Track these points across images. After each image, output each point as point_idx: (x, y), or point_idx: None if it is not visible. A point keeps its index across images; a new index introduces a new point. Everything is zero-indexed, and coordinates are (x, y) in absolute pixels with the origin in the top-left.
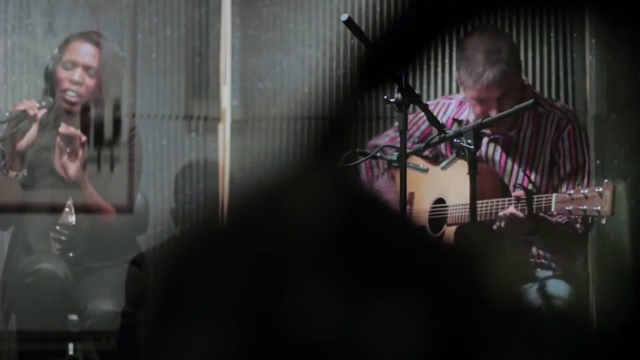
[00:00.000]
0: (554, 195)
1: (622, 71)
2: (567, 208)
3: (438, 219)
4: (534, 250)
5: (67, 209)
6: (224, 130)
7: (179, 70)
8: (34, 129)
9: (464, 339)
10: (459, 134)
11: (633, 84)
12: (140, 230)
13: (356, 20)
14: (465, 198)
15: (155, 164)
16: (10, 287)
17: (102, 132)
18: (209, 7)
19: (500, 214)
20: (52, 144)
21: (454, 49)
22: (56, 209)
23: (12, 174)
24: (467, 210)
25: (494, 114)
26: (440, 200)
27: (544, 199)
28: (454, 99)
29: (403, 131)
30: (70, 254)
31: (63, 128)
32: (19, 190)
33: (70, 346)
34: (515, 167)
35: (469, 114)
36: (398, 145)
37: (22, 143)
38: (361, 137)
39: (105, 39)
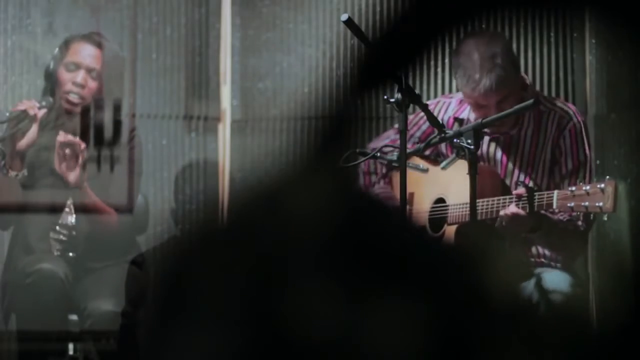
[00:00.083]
0: (556, 192)
1: (622, 71)
2: (568, 205)
3: (438, 218)
4: (533, 249)
5: (67, 209)
6: (224, 130)
7: (179, 70)
8: (34, 129)
9: (464, 339)
10: (459, 134)
11: (633, 84)
12: (140, 230)
13: (356, 20)
14: (466, 197)
15: (155, 164)
16: (10, 287)
17: (102, 133)
18: (209, 7)
19: (502, 212)
20: (52, 144)
21: (454, 49)
22: (56, 209)
23: (12, 174)
24: (468, 209)
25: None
26: (441, 200)
27: (545, 196)
28: (454, 97)
29: (403, 131)
30: (70, 254)
31: (62, 136)
32: (19, 190)
33: (70, 346)
34: (517, 165)
35: (469, 113)
36: (398, 145)
37: (22, 143)
38: (361, 137)
39: (107, 40)
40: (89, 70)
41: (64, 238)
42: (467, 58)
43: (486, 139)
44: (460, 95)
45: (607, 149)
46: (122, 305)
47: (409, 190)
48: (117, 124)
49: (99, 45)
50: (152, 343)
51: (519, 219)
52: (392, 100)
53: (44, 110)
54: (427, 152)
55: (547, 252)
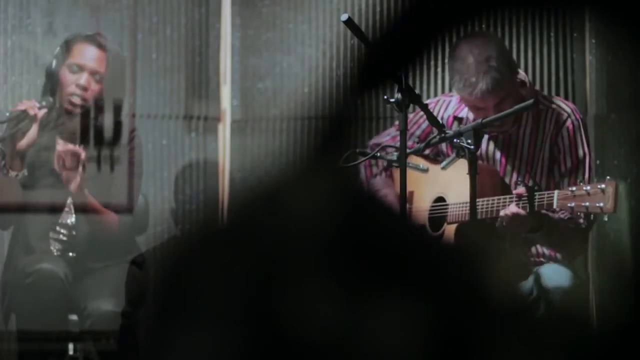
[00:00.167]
0: (556, 192)
1: (622, 71)
2: (569, 205)
3: (438, 217)
4: (533, 249)
5: (67, 209)
6: (224, 130)
7: (179, 70)
8: (34, 129)
9: (464, 339)
10: (458, 134)
11: (633, 84)
12: (140, 230)
13: (356, 20)
14: (466, 197)
15: (155, 164)
16: (10, 287)
17: (102, 133)
18: (209, 7)
19: (502, 212)
20: (52, 144)
21: (449, 54)
22: (56, 209)
23: (13, 174)
24: (468, 208)
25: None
26: (441, 199)
27: (545, 195)
28: (454, 96)
29: (403, 131)
30: (70, 254)
31: (61, 145)
32: (19, 190)
33: (70, 346)
34: (516, 164)
35: (469, 112)
36: (399, 144)
37: (23, 143)
38: (361, 137)
39: (110, 41)
40: (93, 73)
41: (63, 238)
42: (462, 62)
43: (485, 137)
44: None
45: (607, 149)
46: (122, 305)
47: (409, 189)
48: (117, 124)
49: (103, 48)
50: (152, 343)
51: (519, 219)
52: (392, 100)
53: (44, 110)
54: (427, 152)
55: (546, 252)
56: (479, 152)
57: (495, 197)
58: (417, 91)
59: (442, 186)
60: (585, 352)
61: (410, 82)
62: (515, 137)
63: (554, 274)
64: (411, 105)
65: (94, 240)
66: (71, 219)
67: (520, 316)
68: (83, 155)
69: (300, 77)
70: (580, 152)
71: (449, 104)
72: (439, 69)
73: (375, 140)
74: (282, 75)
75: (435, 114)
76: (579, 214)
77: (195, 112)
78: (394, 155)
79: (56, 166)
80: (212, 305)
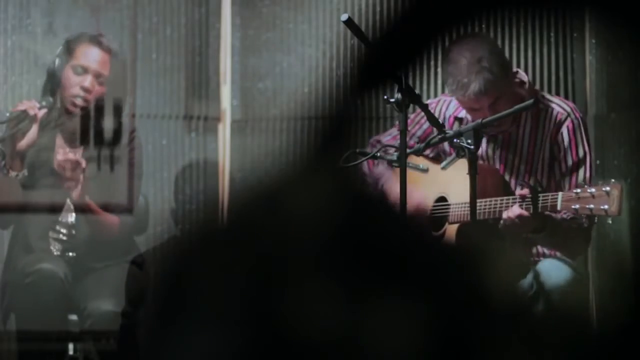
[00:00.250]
0: (560, 193)
1: (622, 71)
2: (573, 207)
3: (439, 217)
4: (534, 249)
5: (66, 209)
6: (224, 130)
7: (179, 70)
8: (34, 129)
9: (463, 339)
10: (459, 134)
11: (633, 84)
12: (140, 230)
13: (356, 20)
14: (467, 197)
15: (155, 164)
16: (10, 287)
17: (102, 133)
18: (209, 7)
19: (505, 214)
20: (52, 144)
21: (442, 57)
22: (56, 209)
23: (13, 174)
24: (469, 209)
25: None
26: (442, 199)
27: (549, 197)
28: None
29: (403, 131)
30: (70, 254)
31: (61, 155)
32: (19, 190)
33: (70, 346)
34: (516, 163)
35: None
36: (398, 144)
37: (23, 143)
38: (361, 137)
39: (114, 43)
40: (97, 76)
41: (63, 238)
42: (454, 65)
43: (484, 137)
44: None
45: (607, 149)
46: (122, 305)
47: (409, 188)
48: (117, 124)
49: (108, 50)
50: (152, 343)
51: (523, 220)
52: (392, 100)
53: (44, 111)
54: (428, 152)
55: (546, 251)
56: (479, 152)
57: (498, 198)
58: (417, 91)
59: (443, 186)
60: (585, 352)
61: (410, 82)
62: (515, 137)
63: (553, 268)
64: (412, 106)
65: (94, 240)
66: (71, 219)
67: (520, 316)
68: (84, 164)
69: (300, 77)
70: (581, 151)
71: (449, 104)
72: (439, 69)
73: (376, 137)
74: (282, 75)
75: (436, 113)
76: (582, 215)
77: (195, 112)
78: (394, 156)
79: (56, 168)
80: (212, 305)
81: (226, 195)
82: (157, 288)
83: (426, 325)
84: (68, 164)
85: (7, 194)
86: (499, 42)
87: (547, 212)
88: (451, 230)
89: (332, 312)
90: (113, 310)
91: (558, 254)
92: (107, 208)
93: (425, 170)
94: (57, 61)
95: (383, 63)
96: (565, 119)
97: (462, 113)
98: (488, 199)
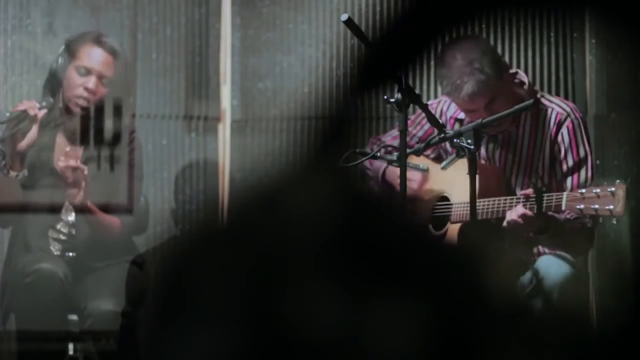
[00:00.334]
0: (565, 194)
1: (622, 71)
2: (578, 207)
3: (441, 216)
4: (535, 249)
5: (66, 209)
6: (224, 130)
7: (179, 70)
8: (34, 130)
9: (464, 339)
10: (459, 134)
11: (633, 84)
12: (140, 230)
13: (356, 20)
14: (468, 196)
15: (155, 164)
16: (10, 287)
17: (102, 133)
18: (209, 7)
19: (509, 214)
20: (52, 144)
21: (436, 60)
22: (56, 209)
23: (13, 174)
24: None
25: None
26: (444, 198)
27: (554, 197)
28: None
29: (403, 131)
30: (70, 254)
31: (62, 162)
32: (19, 190)
33: (70, 346)
34: (516, 163)
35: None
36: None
37: (23, 143)
38: (361, 137)
39: (116, 43)
40: (101, 77)
41: (63, 237)
42: (448, 67)
43: (485, 137)
44: None
45: (607, 149)
46: (122, 305)
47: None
48: (117, 124)
49: (111, 51)
50: (152, 343)
51: (526, 220)
52: (392, 100)
53: (44, 111)
54: (429, 152)
55: (547, 250)
56: (479, 152)
57: (501, 198)
58: (417, 91)
59: (444, 186)
60: (585, 352)
61: (411, 82)
62: (515, 136)
63: (552, 264)
64: (412, 106)
65: (94, 240)
66: (70, 219)
67: (520, 316)
68: (86, 171)
69: (300, 77)
70: (582, 151)
71: (450, 104)
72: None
73: (377, 137)
74: (282, 75)
75: (437, 113)
76: (586, 216)
77: (195, 112)
78: (394, 156)
79: (57, 168)
80: (212, 305)
81: (226, 195)
82: (157, 288)
83: (426, 325)
84: (69, 171)
85: (7, 194)
86: (499, 42)
87: (550, 213)
88: (453, 229)
89: (332, 312)
90: (113, 310)
91: (558, 251)
92: (107, 208)
93: (426, 170)
94: (59, 61)
95: (383, 63)
96: (565, 119)
97: (462, 114)
98: (491, 199)
